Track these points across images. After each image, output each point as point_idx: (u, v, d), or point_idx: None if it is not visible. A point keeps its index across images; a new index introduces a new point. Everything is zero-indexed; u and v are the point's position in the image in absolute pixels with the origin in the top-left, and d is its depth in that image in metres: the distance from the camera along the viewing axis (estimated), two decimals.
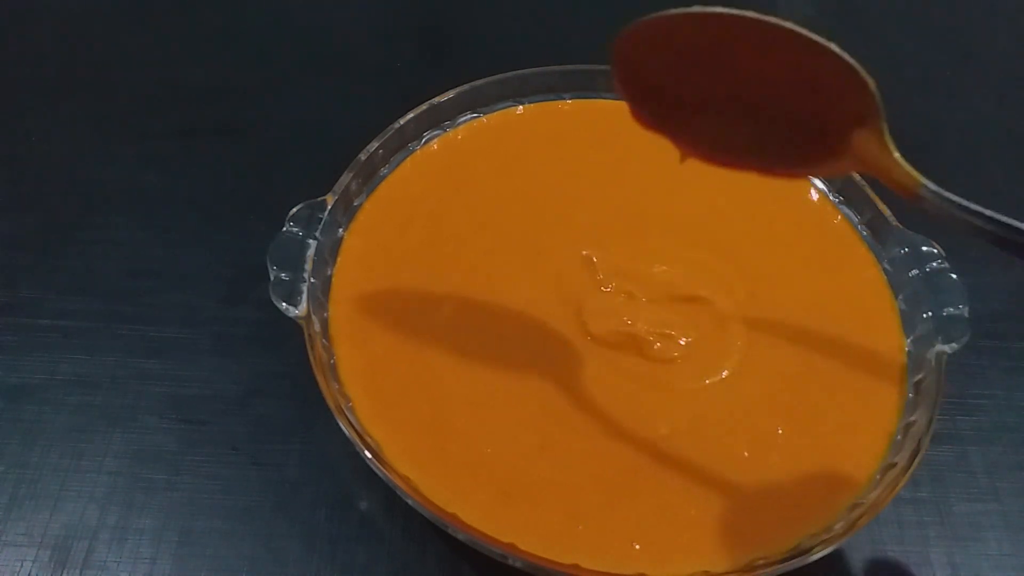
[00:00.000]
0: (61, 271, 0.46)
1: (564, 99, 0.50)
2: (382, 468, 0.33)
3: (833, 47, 0.28)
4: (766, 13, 0.28)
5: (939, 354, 0.38)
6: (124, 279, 0.45)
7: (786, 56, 0.28)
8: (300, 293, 0.38)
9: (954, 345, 0.38)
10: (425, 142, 0.47)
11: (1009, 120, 0.58)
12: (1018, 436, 0.42)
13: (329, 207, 0.41)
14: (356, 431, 0.34)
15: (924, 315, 0.39)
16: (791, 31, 0.28)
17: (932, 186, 0.29)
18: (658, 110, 0.32)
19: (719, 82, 0.30)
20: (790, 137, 0.31)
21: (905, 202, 0.45)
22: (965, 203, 0.28)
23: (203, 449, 0.39)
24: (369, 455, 0.34)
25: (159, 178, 0.50)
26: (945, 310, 0.39)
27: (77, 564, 0.36)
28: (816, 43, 0.28)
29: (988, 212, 0.27)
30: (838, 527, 0.34)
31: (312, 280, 0.38)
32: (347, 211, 0.43)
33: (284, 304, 0.37)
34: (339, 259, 0.41)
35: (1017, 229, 0.27)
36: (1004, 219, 0.27)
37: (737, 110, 0.31)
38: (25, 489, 0.38)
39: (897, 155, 0.30)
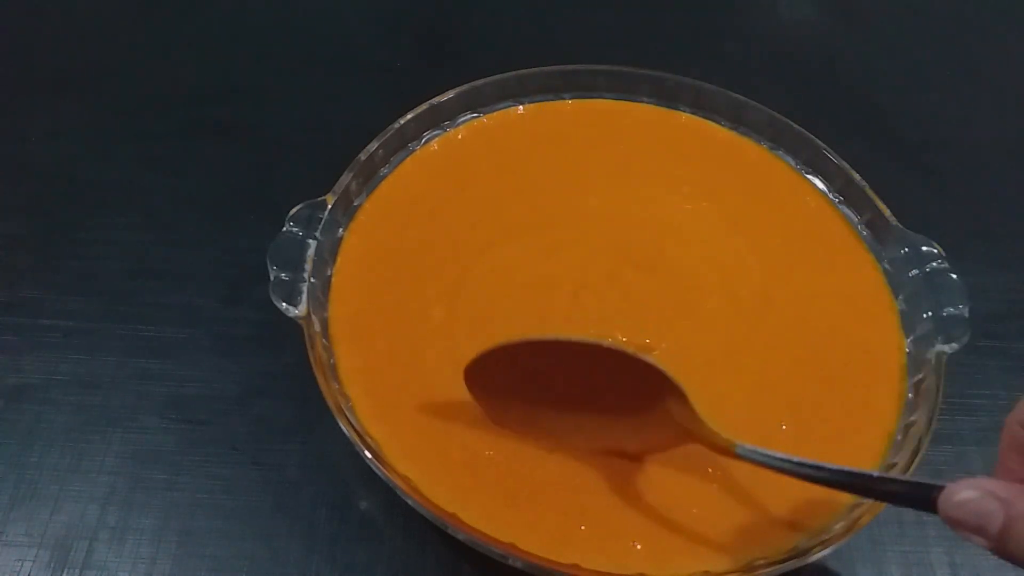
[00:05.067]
0: (61, 271, 0.46)
1: (564, 99, 0.50)
2: (382, 468, 0.33)
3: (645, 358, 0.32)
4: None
5: (939, 354, 0.38)
6: (124, 279, 0.45)
7: (610, 365, 0.33)
8: (300, 293, 0.38)
9: (954, 345, 0.38)
10: (425, 142, 0.47)
11: (1009, 120, 0.58)
12: None
13: (329, 207, 0.41)
14: (356, 431, 0.34)
15: (924, 315, 0.39)
16: (611, 348, 0.33)
17: (745, 446, 0.32)
18: (510, 414, 0.36)
19: (557, 390, 0.35)
20: (625, 426, 0.35)
21: (905, 202, 0.45)
22: (774, 455, 0.31)
23: (203, 449, 0.39)
24: (369, 455, 0.34)
25: (159, 178, 0.50)
26: (945, 310, 0.39)
27: (77, 564, 0.36)
28: (631, 357, 0.32)
29: (796, 459, 0.31)
30: (838, 527, 0.34)
31: (312, 280, 0.38)
32: (347, 211, 0.43)
33: (284, 304, 0.37)
34: (339, 259, 0.41)
35: (819, 468, 0.30)
36: (809, 462, 0.30)
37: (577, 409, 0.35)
38: (25, 489, 0.38)
39: (709, 425, 0.33)
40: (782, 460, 0.31)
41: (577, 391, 0.35)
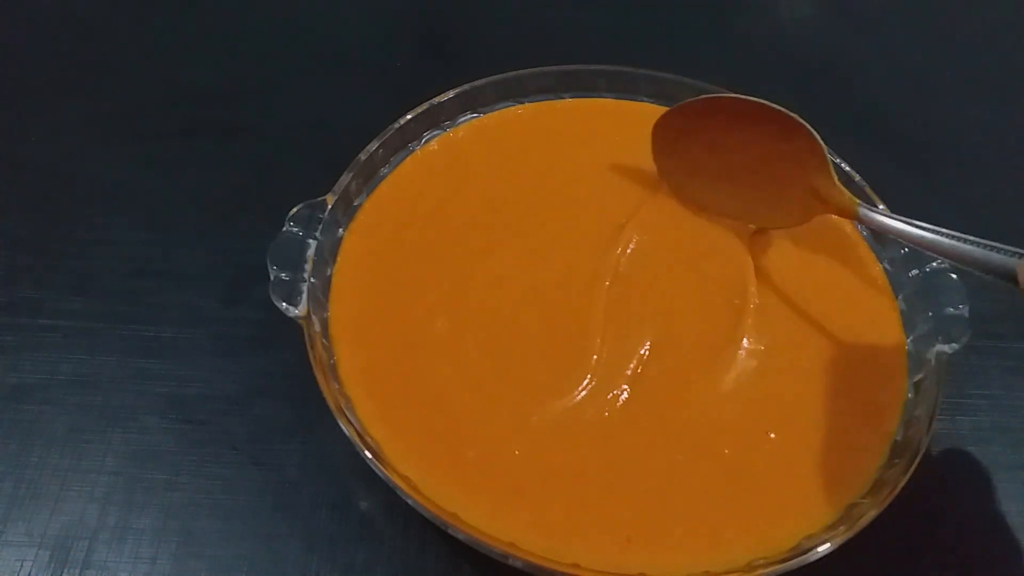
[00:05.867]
0: (61, 271, 0.46)
1: (563, 99, 0.50)
2: (382, 468, 0.33)
3: (782, 110, 0.40)
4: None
5: (939, 354, 0.38)
6: (124, 279, 0.45)
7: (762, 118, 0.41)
8: (300, 293, 0.38)
9: (954, 345, 0.38)
10: (425, 142, 0.47)
11: (1009, 120, 0.58)
12: (1018, 436, 0.42)
13: (329, 207, 0.41)
14: (356, 431, 0.34)
15: (924, 315, 0.39)
16: (759, 104, 0.40)
17: (866, 208, 0.39)
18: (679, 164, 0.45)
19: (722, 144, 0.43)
20: (771, 185, 0.43)
21: (905, 202, 0.45)
22: (890, 220, 0.38)
23: (203, 449, 0.39)
24: (369, 455, 0.34)
25: (159, 178, 0.50)
26: (945, 310, 0.39)
27: (77, 564, 0.36)
28: (772, 108, 0.40)
29: (911, 226, 0.37)
30: (838, 527, 0.34)
31: (312, 280, 0.38)
32: (347, 211, 0.43)
33: (284, 304, 0.37)
34: (339, 259, 0.41)
35: (924, 232, 0.36)
36: (921, 226, 0.36)
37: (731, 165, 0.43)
38: (25, 489, 0.38)
39: (839, 185, 0.40)
40: (896, 225, 0.37)
41: (739, 152, 0.42)
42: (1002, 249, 0.33)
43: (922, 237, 0.36)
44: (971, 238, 0.34)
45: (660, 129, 0.44)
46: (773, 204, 0.43)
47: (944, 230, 0.35)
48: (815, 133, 0.39)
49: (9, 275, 0.45)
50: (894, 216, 0.38)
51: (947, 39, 0.65)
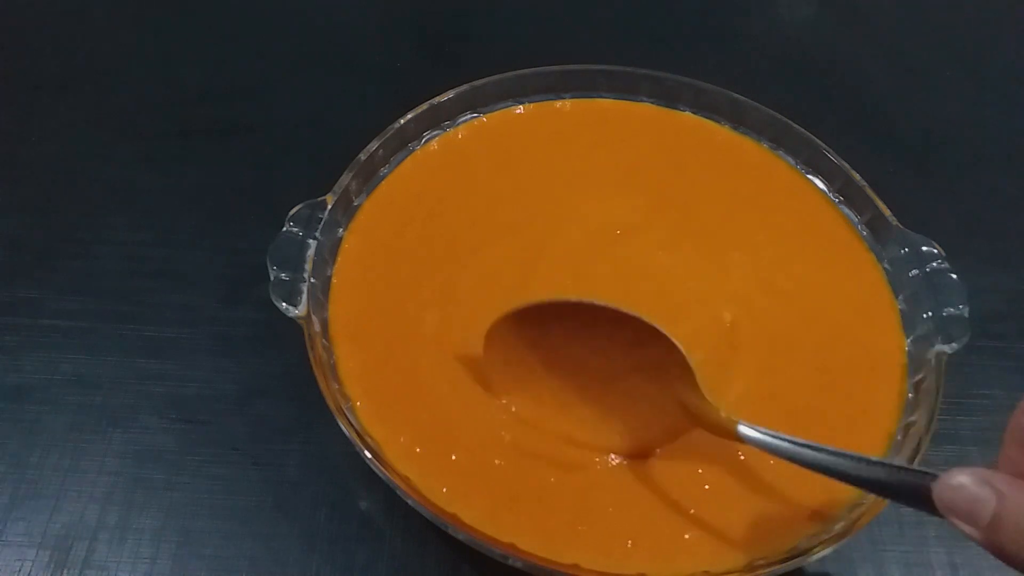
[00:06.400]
0: (61, 271, 0.46)
1: (563, 99, 0.50)
2: (382, 468, 0.33)
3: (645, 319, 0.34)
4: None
5: (939, 354, 0.38)
6: (124, 279, 0.45)
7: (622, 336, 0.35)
8: (300, 293, 0.38)
9: (954, 345, 0.38)
10: (425, 142, 0.47)
11: (1009, 120, 0.58)
12: None
13: (329, 207, 0.41)
14: (356, 431, 0.34)
15: (924, 315, 0.39)
16: (614, 309, 0.34)
17: (747, 428, 0.33)
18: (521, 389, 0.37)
19: (569, 365, 0.37)
20: (629, 406, 0.36)
21: (905, 202, 0.45)
22: (777, 436, 0.32)
23: (203, 449, 0.39)
24: (369, 455, 0.34)
25: (159, 178, 0.50)
26: (945, 310, 0.39)
27: (77, 564, 0.36)
28: (632, 317, 0.34)
29: (799, 440, 0.31)
30: (838, 527, 0.34)
31: (312, 280, 0.38)
32: (347, 211, 0.43)
33: (284, 304, 0.37)
34: (339, 259, 0.41)
35: (820, 449, 0.31)
36: (810, 443, 0.31)
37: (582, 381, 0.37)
38: (25, 489, 0.38)
39: (711, 404, 0.34)
40: (784, 440, 0.32)
41: (588, 367, 0.36)
42: (910, 470, 0.28)
43: (814, 459, 0.31)
44: (875, 459, 0.29)
45: (490, 341, 0.36)
46: (629, 424, 0.36)
47: (845, 452, 0.30)
48: (676, 342, 0.34)
49: (9, 275, 0.45)
50: (779, 436, 0.32)
51: (948, 39, 0.65)
